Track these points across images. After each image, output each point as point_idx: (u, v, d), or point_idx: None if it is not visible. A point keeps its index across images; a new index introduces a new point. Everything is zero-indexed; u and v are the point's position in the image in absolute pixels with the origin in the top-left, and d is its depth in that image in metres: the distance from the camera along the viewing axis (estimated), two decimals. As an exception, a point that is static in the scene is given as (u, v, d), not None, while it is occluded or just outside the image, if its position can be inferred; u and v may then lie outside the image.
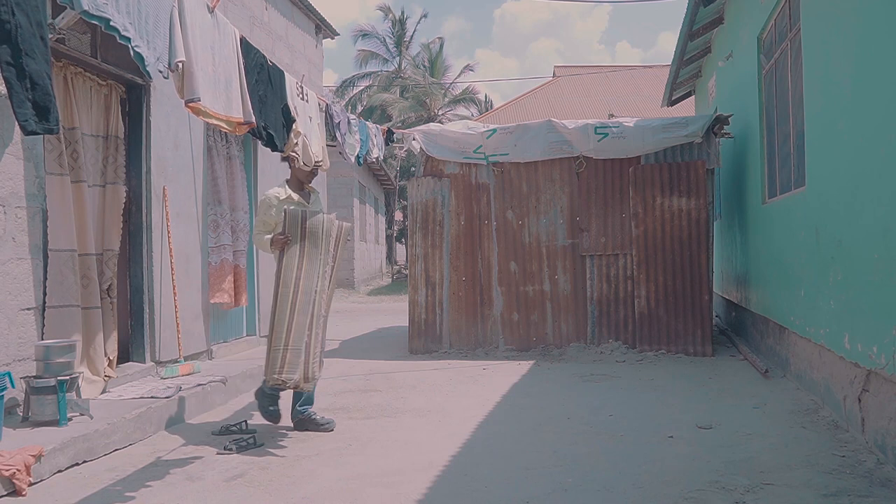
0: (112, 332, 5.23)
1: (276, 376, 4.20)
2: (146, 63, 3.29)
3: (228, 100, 3.98)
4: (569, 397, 5.51)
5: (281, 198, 4.58)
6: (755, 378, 6.05)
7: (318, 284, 4.35)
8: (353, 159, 6.74)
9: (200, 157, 6.51)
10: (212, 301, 6.67)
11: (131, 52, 3.24)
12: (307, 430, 4.56)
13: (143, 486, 3.53)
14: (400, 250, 30.23)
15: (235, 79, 4.11)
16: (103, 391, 4.96)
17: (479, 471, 3.71)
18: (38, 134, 2.78)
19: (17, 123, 2.79)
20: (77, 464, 3.84)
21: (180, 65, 3.47)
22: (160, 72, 3.41)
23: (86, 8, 2.89)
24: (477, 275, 7.89)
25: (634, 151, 7.52)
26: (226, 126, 3.99)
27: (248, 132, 4.38)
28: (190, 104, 3.57)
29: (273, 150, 4.92)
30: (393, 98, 28.66)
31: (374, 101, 28.56)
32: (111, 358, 5.17)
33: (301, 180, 4.71)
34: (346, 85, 30.72)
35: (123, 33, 3.14)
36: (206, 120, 3.76)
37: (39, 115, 2.73)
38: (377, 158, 7.50)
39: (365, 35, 30.93)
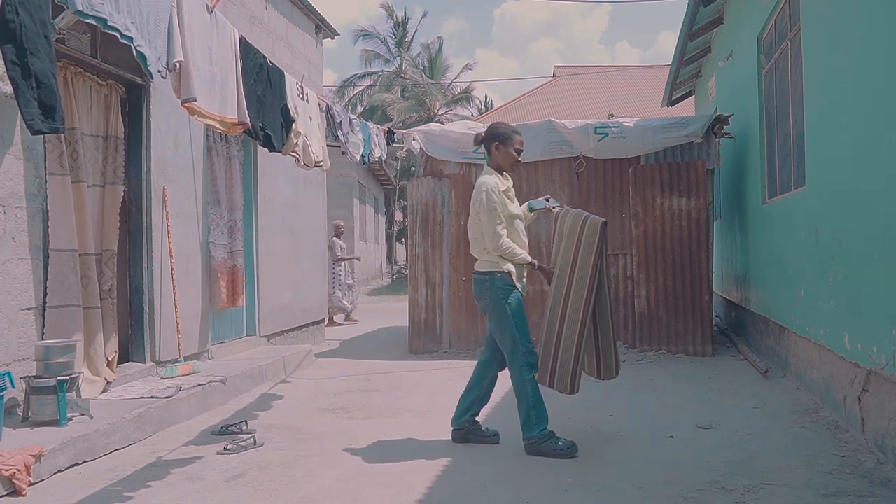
0: (112, 332, 5.23)
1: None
2: (148, 63, 3.30)
3: (224, 100, 3.98)
4: (568, 397, 5.49)
5: (501, 189, 4.23)
6: (755, 378, 6.05)
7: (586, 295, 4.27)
8: (357, 157, 6.70)
9: (200, 157, 6.50)
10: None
11: (134, 52, 3.24)
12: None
13: (143, 486, 3.53)
14: (400, 250, 30.23)
15: (232, 79, 4.10)
16: (103, 391, 4.96)
17: (479, 470, 3.71)
18: (44, 133, 2.78)
19: (22, 123, 2.79)
20: (77, 464, 3.84)
21: (178, 65, 3.47)
22: (159, 72, 3.41)
23: (79, 8, 2.88)
24: (477, 275, 7.87)
25: (634, 151, 7.52)
26: (220, 126, 3.99)
27: (245, 133, 4.37)
28: (186, 104, 3.57)
29: (270, 151, 4.91)
30: (393, 98, 28.67)
31: (375, 102, 28.57)
32: (111, 358, 5.17)
33: (503, 168, 4.31)
34: (346, 85, 30.73)
35: (125, 33, 3.13)
36: (201, 120, 3.76)
37: (45, 113, 2.73)
38: (379, 158, 7.50)
39: (366, 35, 30.94)
